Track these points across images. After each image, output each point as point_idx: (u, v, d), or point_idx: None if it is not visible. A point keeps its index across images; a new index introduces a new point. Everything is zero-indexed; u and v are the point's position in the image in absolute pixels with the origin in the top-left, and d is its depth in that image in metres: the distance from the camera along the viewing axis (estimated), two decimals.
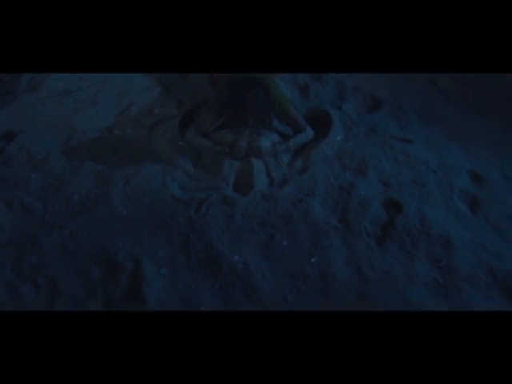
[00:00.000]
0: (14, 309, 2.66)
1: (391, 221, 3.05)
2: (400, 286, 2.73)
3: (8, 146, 3.57)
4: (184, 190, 3.26)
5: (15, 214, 3.09)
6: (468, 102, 4.25)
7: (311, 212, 3.07)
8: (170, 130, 3.70)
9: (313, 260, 2.83)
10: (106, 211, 3.11)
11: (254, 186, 3.23)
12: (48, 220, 3.06)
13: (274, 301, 2.67)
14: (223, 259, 2.82)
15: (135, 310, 2.56)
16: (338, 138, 3.64)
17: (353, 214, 3.08)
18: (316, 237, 2.95)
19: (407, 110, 4.04)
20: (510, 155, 3.62)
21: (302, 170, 3.41)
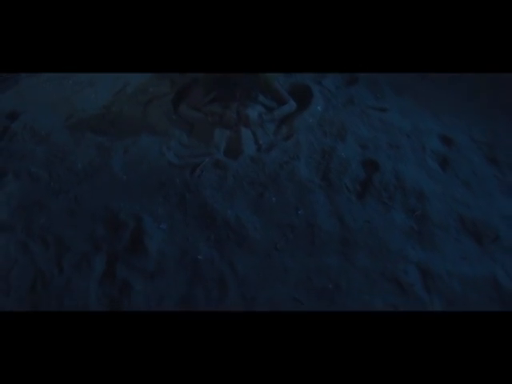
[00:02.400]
0: (25, 265, 2.77)
1: (369, 178, 3.19)
2: (379, 233, 2.86)
3: (12, 124, 3.66)
4: (179, 157, 3.37)
5: (23, 182, 3.19)
6: (437, 75, 4.36)
7: (296, 172, 3.20)
8: (164, 106, 3.80)
9: (299, 212, 2.96)
10: (108, 177, 3.21)
11: (243, 151, 3.35)
12: (54, 186, 3.16)
13: (264, 249, 2.78)
14: (217, 214, 2.93)
15: (134, 311, 2.57)
16: (319, 108, 3.76)
17: (334, 173, 3.21)
18: (301, 193, 3.07)
19: (382, 84, 4.17)
20: (476, 120, 3.76)
21: (286, 136, 3.53)
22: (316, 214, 2.94)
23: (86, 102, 3.92)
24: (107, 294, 2.61)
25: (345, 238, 2.82)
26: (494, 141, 3.52)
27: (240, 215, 2.92)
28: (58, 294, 2.59)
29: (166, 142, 3.46)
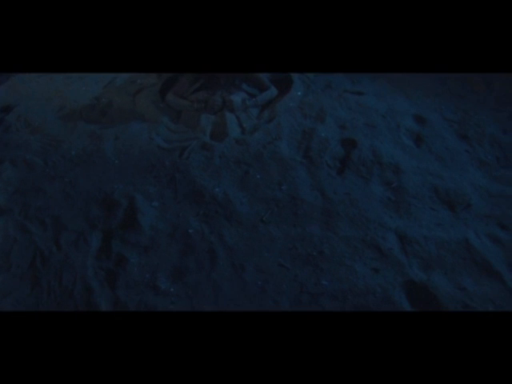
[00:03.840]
0: (24, 244, 2.82)
1: (348, 155, 3.28)
2: (359, 204, 2.95)
3: (7, 116, 3.72)
4: (167, 141, 3.44)
5: (19, 169, 3.25)
6: None
7: (279, 151, 3.28)
8: (151, 95, 3.87)
9: (283, 188, 3.04)
10: (101, 162, 3.28)
11: (228, 134, 3.43)
12: (49, 172, 3.22)
13: (251, 221, 2.86)
14: (205, 191, 3.01)
15: (133, 311, 2.49)
16: (299, 93, 3.85)
17: (315, 151, 3.29)
18: (284, 170, 3.15)
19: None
20: (447, 100, 3.85)
21: (269, 120, 3.61)
22: (298, 188, 3.02)
23: (77, 94, 3.98)
24: (104, 268, 2.67)
25: (326, 209, 2.90)
26: (464, 119, 3.61)
27: (227, 192, 2.99)
28: (57, 269, 2.65)
29: (154, 128, 3.53)
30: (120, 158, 3.26)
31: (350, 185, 3.05)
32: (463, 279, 2.54)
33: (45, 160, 3.27)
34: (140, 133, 3.47)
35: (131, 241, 2.75)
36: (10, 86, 4.14)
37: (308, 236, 2.75)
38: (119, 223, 2.85)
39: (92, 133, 3.48)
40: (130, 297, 2.51)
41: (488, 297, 2.46)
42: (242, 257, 2.66)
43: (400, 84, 4.08)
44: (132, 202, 2.93)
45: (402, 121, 3.59)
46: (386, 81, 4.14)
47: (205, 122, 3.51)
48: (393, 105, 3.76)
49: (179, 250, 2.71)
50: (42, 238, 2.80)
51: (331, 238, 2.74)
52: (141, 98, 3.82)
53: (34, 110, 3.75)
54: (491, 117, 3.59)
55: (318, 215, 2.87)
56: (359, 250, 2.68)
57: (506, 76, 3.93)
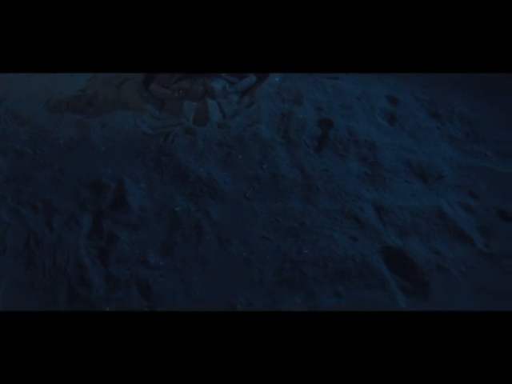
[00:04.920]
0: (18, 227, 2.87)
1: (325, 134, 3.35)
2: (337, 179, 3.03)
3: None
4: (152, 128, 3.49)
5: (9, 158, 3.29)
6: None
7: (259, 133, 3.35)
8: (135, 86, 3.91)
9: (264, 166, 3.10)
10: (88, 149, 3.32)
11: (210, 119, 3.49)
12: (39, 161, 3.26)
13: (235, 198, 2.93)
14: (190, 172, 3.07)
15: (132, 311, 2.47)
16: (277, 79, 3.91)
17: (293, 132, 3.36)
18: (265, 150, 3.22)
19: None
20: (419, 83, 3.93)
21: (249, 104, 3.67)
22: (279, 166, 3.08)
23: (63, 87, 4.00)
24: (95, 246, 2.72)
25: (306, 184, 2.97)
26: (434, 98, 3.69)
27: (211, 172, 3.05)
28: (51, 249, 2.69)
29: (139, 115, 3.58)
30: (107, 145, 3.31)
31: (327, 162, 3.12)
32: (437, 244, 2.62)
33: (34, 149, 3.30)
34: (125, 121, 3.51)
35: (121, 220, 2.79)
36: None
37: (289, 210, 2.81)
38: (109, 204, 2.90)
39: (79, 122, 3.51)
40: (122, 272, 2.56)
41: (460, 258, 2.55)
42: (227, 231, 2.72)
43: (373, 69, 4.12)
44: (120, 184, 2.98)
45: (375, 102, 3.66)
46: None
47: (187, 109, 3.56)
48: (367, 88, 3.84)
49: (167, 227, 2.76)
50: (34, 221, 2.83)
51: (311, 210, 2.80)
52: (125, 89, 3.86)
53: (22, 103, 3.78)
54: (460, 96, 3.65)
55: (298, 190, 2.93)
56: (338, 221, 2.74)
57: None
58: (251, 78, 3.87)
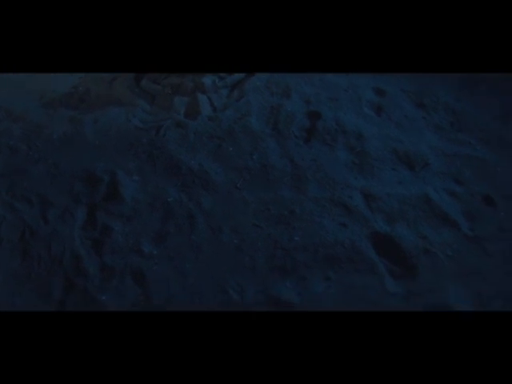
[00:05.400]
0: (13, 221, 2.87)
1: (314, 125, 3.39)
2: (326, 168, 3.06)
3: None
4: (144, 122, 3.51)
5: (3, 154, 3.29)
6: None
7: (249, 126, 3.38)
8: (127, 82, 3.92)
9: (254, 157, 3.14)
10: (82, 144, 3.34)
11: (201, 113, 3.51)
12: (33, 156, 3.27)
13: (226, 188, 2.95)
14: (182, 164, 3.09)
15: (131, 311, 2.43)
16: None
17: (283, 124, 3.40)
18: (255, 142, 3.25)
19: None
20: (405, 74, 3.97)
21: (238, 98, 3.69)
22: (269, 157, 3.11)
23: (55, 85, 4.00)
24: (90, 237, 2.74)
25: (295, 174, 3.00)
26: (420, 89, 3.74)
27: (202, 163, 3.08)
28: (46, 241, 2.71)
29: (131, 111, 3.60)
30: (100, 139, 3.33)
31: (316, 152, 3.15)
32: (424, 229, 2.66)
33: (28, 145, 3.31)
34: (118, 116, 3.53)
35: (115, 212, 2.82)
36: None
37: (279, 198, 2.85)
38: (102, 197, 2.92)
39: (72, 118, 3.53)
40: (116, 261, 2.59)
41: (446, 242, 2.59)
42: (219, 220, 2.75)
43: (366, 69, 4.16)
44: (113, 177, 3.00)
45: (362, 94, 3.70)
46: None
47: (178, 103, 3.59)
48: (354, 80, 3.87)
49: (160, 217, 2.79)
50: (29, 214, 2.85)
51: (301, 199, 2.84)
52: (117, 85, 3.88)
53: (14, 100, 3.78)
54: (445, 87, 3.69)
55: (287, 180, 2.96)
56: (327, 209, 2.78)
57: None
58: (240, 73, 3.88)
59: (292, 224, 2.70)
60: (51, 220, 2.79)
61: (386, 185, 2.91)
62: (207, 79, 3.71)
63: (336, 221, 2.71)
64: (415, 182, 2.93)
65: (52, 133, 3.40)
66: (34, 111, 3.63)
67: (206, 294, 2.43)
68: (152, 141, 3.24)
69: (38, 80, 4.03)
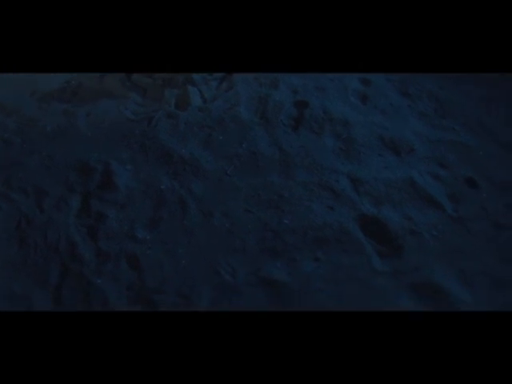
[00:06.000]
0: (9, 210, 2.89)
1: (301, 114, 3.43)
2: (313, 154, 3.11)
3: None
4: (136, 114, 3.54)
5: None
6: None
7: (238, 115, 3.42)
8: (118, 76, 3.95)
9: (243, 145, 3.17)
10: (75, 135, 3.37)
11: (191, 104, 3.55)
12: (27, 148, 3.29)
13: (217, 175, 2.99)
14: (173, 153, 3.13)
15: (130, 311, 2.39)
16: None
17: (271, 113, 3.44)
18: (244, 131, 3.29)
19: None
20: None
21: (227, 89, 3.73)
22: (258, 145, 3.15)
23: (47, 80, 4.02)
24: (85, 224, 2.77)
25: (284, 160, 3.04)
26: (405, 78, 3.78)
27: (193, 152, 3.12)
28: (42, 229, 2.74)
29: (123, 103, 3.63)
30: (93, 131, 3.36)
31: (304, 139, 3.20)
32: (409, 211, 2.71)
33: (22, 137, 3.34)
34: (110, 108, 3.56)
35: (109, 199, 2.85)
36: None
37: (269, 184, 2.89)
38: (96, 186, 2.95)
39: (65, 111, 3.55)
40: (111, 247, 2.62)
41: (431, 223, 2.64)
42: (210, 205, 2.79)
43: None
44: (107, 166, 3.03)
45: (348, 83, 3.74)
46: None
47: (169, 95, 3.63)
48: None
49: (153, 204, 2.82)
50: (25, 204, 2.87)
51: (290, 184, 2.88)
52: (109, 79, 3.90)
53: (7, 95, 3.80)
54: (429, 76, 3.75)
55: (276, 166, 3.00)
56: (315, 193, 2.82)
57: None
58: None
59: (281, 208, 2.73)
60: (46, 209, 2.82)
61: (372, 169, 2.96)
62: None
63: (324, 204, 2.74)
64: (401, 166, 2.98)
65: (46, 126, 3.42)
66: (28, 105, 3.65)
67: (199, 276, 2.46)
68: (144, 131, 3.27)
69: (30, 76, 4.03)
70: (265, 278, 2.44)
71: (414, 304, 2.33)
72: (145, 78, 3.83)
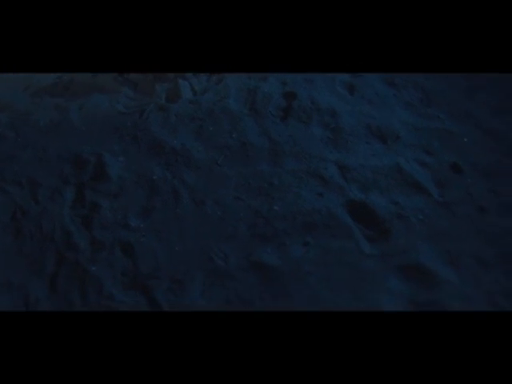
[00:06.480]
0: (4, 202, 2.93)
1: (290, 105, 3.46)
2: (302, 143, 3.14)
3: None
4: (127, 107, 3.57)
5: None
6: None
7: (228, 107, 3.45)
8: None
9: (233, 136, 3.21)
10: (68, 129, 3.39)
11: (181, 96, 3.58)
12: (21, 142, 3.32)
13: (208, 165, 3.02)
14: (165, 144, 3.16)
15: (128, 311, 2.36)
16: None
17: (260, 104, 3.47)
18: (234, 122, 3.33)
19: None
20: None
21: (217, 82, 3.76)
22: (247, 135, 3.19)
23: (39, 76, 4.03)
24: (79, 214, 2.80)
25: (273, 149, 3.08)
26: None
27: (184, 143, 3.15)
28: (37, 219, 2.76)
29: (115, 97, 3.65)
30: (86, 125, 3.38)
31: (292, 129, 3.23)
32: (396, 196, 2.75)
33: (16, 132, 3.36)
34: (102, 102, 3.58)
35: (102, 190, 2.88)
36: None
37: (259, 172, 2.92)
38: (90, 177, 2.98)
39: (58, 105, 3.57)
40: (105, 235, 2.65)
41: (418, 207, 2.68)
42: (202, 194, 2.82)
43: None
44: (100, 158, 3.06)
45: (336, 75, 3.76)
46: None
47: (160, 89, 3.66)
48: None
49: (146, 194, 2.86)
50: (20, 196, 2.90)
51: (279, 172, 2.92)
52: (100, 75, 3.91)
53: (0, 91, 3.79)
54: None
55: (266, 155, 3.04)
56: (304, 180, 2.86)
57: None
58: None
59: (271, 195, 2.77)
60: (41, 200, 2.85)
61: (359, 157, 3.00)
62: None
63: (313, 191, 2.78)
64: (387, 153, 3.02)
65: (39, 120, 3.44)
66: (20, 100, 3.67)
67: (192, 262, 2.49)
68: (136, 124, 3.30)
69: (22, 75, 4.04)
70: (256, 262, 2.47)
71: (401, 284, 2.36)
72: (135, 73, 3.84)
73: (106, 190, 2.87)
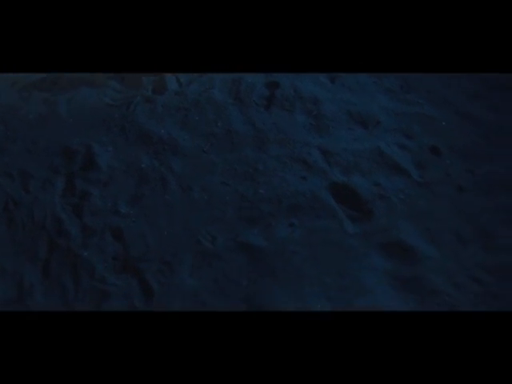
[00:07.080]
0: None
1: (273, 94, 3.51)
2: (285, 130, 3.20)
3: None
4: (115, 100, 3.60)
5: None
6: None
7: (213, 97, 3.50)
8: None
9: (219, 124, 3.26)
10: (57, 122, 3.42)
11: (167, 89, 3.62)
12: (10, 135, 3.34)
13: (194, 153, 3.07)
14: (153, 134, 3.21)
15: (126, 311, 2.35)
16: None
17: (244, 94, 3.52)
18: (218, 111, 3.38)
19: None
20: None
21: (201, 74, 3.80)
22: (232, 123, 3.24)
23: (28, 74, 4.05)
24: (70, 203, 2.84)
25: (258, 136, 3.13)
26: None
27: (171, 132, 3.20)
28: (29, 209, 2.80)
29: (102, 90, 3.68)
30: (74, 117, 3.41)
31: (276, 117, 3.29)
32: (378, 178, 2.82)
33: (5, 125, 3.38)
34: (90, 95, 3.62)
35: (92, 179, 2.92)
36: None
37: (244, 158, 2.98)
38: (79, 167, 3.01)
39: (46, 99, 3.60)
40: (96, 222, 2.69)
41: (399, 188, 2.75)
42: (189, 181, 2.87)
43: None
44: (89, 149, 3.09)
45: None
46: None
47: (146, 82, 3.70)
48: None
49: (135, 182, 2.90)
50: (11, 187, 2.93)
51: (264, 157, 2.97)
52: None
53: None
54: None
55: (251, 142, 3.09)
56: (288, 165, 2.92)
57: None
58: None
59: (257, 179, 2.82)
60: (32, 190, 2.88)
61: (341, 142, 3.06)
62: None
63: (297, 175, 2.84)
64: (369, 138, 3.09)
65: (28, 113, 3.47)
66: (9, 95, 3.69)
67: (181, 245, 2.54)
68: (123, 115, 3.34)
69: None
70: (243, 243, 2.53)
71: (384, 261, 2.42)
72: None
73: (96, 178, 2.91)
